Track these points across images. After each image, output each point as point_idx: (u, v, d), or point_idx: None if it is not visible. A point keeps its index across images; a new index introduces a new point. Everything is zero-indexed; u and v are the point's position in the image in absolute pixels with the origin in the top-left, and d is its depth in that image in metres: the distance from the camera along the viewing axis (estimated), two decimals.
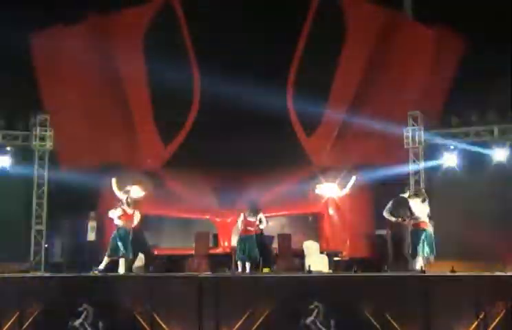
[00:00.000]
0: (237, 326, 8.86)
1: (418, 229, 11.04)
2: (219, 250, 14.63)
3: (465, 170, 14.31)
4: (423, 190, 12.03)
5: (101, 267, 11.10)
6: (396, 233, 11.67)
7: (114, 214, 11.51)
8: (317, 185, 15.58)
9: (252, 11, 15.76)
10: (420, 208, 11.21)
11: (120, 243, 11.30)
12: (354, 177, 14.89)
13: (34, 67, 14.95)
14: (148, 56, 16.20)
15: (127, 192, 11.91)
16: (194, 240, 14.14)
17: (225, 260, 13.47)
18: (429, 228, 11.19)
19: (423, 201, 11.31)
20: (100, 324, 9.02)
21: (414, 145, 15.11)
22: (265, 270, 12.90)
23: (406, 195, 11.62)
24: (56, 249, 14.84)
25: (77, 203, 14.53)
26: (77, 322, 8.99)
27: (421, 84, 15.20)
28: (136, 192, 12.93)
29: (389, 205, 11.54)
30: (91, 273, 10.88)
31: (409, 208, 11.19)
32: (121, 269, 11.33)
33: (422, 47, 15.31)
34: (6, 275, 10.66)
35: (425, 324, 8.63)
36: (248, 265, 11.87)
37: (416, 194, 11.64)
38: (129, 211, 11.65)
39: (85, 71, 15.69)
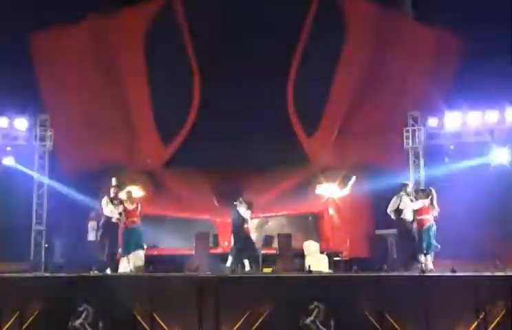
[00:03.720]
0: (237, 326, 8.85)
1: (424, 227, 11.18)
2: (219, 250, 14.62)
3: (465, 170, 14.31)
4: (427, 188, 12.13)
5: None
6: (401, 233, 11.59)
7: (113, 212, 11.53)
8: (317, 185, 15.59)
9: (252, 11, 15.75)
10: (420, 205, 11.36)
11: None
12: (354, 177, 14.89)
13: (34, 67, 14.94)
14: (149, 56, 16.21)
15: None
16: (194, 240, 14.14)
17: (225, 260, 13.45)
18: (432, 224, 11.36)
19: (427, 197, 11.42)
20: (100, 324, 9.01)
21: (414, 145, 15.11)
22: (266, 270, 12.90)
23: (406, 193, 11.63)
24: (56, 249, 14.83)
25: (77, 203, 14.53)
26: (77, 322, 8.98)
27: (421, 84, 15.21)
28: (135, 192, 12.93)
29: (393, 200, 11.58)
30: (91, 273, 10.88)
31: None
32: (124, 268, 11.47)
33: (422, 47, 15.32)
34: (6, 275, 10.64)
35: (425, 324, 8.63)
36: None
37: (422, 192, 11.76)
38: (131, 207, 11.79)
39: (85, 72, 15.70)
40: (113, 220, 11.60)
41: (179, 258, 13.96)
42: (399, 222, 11.56)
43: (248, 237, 12.33)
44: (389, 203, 11.70)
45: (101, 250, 11.60)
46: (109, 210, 11.56)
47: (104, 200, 11.62)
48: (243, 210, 12.19)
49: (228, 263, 12.09)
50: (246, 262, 12.10)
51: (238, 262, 12.07)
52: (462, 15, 14.24)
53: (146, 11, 16.59)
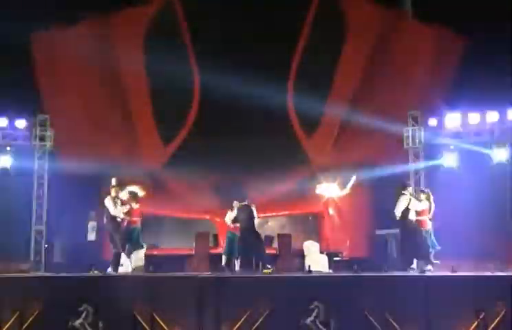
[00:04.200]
0: (237, 326, 8.85)
1: (426, 228, 11.24)
2: (219, 250, 14.62)
3: (465, 170, 14.30)
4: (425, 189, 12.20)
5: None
6: (408, 233, 11.48)
7: (116, 209, 11.50)
8: (317, 185, 15.60)
9: (252, 11, 15.74)
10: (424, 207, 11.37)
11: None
12: (354, 177, 14.90)
13: (34, 67, 14.93)
14: (149, 56, 16.21)
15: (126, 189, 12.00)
16: (194, 240, 14.15)
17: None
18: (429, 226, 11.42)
19: (427, 199, 11.48)
20: (100, 324, 9.00)
21: (414, 145, 15.11)
22: (266, 270, 12.90)
23: (407, 193, 11.60)
24: (56, 249, 14.82)
25: (77, 203, 14.53)
26: (77, 322, 8.97)
27: (421, 84, 15.21)
28: (136, 191, 12.91)
29: (402, 200, 11.47)
30: (91, 273, 10.88)
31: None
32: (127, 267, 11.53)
33: (422, 46, 15.32)
34: (6, 275, 10.65)
35: (425, 324, 8.62)
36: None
37: (423, 193, 11.78)
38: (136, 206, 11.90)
39: (85, 72, 15.69)
40: (118, 219, 11.56)
41: (179, 258, 13.98)
42: (406, 222, 11.43)
43: (258, 236, 12.31)
44: (391, 202, 11.67)
45: (115, 246, 11.56)
46: (119, 211, 11.53)
47: (110, 201, 11.53)
48: (255, 210, 12.20)
49: (223, 262, 12.14)
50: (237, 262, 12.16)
51: (245, 258, 12.06)
52: (462, 14, 14.23)
53: (146, 11, 16.58)
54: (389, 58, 15.61)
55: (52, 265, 14.23)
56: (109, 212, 11.48)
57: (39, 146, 15.15)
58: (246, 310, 8.87)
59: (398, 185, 12.01)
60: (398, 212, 11.48)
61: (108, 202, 11.50)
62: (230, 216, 12.68)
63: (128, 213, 11.77)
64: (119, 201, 11.62)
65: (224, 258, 12.67)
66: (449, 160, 14.67)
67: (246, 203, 12.22)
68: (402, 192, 11.54)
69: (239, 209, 12.29)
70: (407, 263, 11.40)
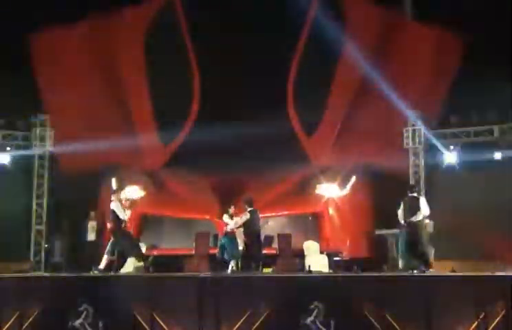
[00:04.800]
0: (237, 326, 8.85)
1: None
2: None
3: (465, 170, 14.31)
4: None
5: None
6: (410, 233, 11.29)
7: (124, 213, 11.39)
8: (317, 185, 15.59)
9: (252, 10, 15.73)
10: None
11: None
12: (354, 177, 14.89)
13: (34, 67, 14.93)
14: (149, 56, 16.21)
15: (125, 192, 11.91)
16: (194, 240, 14.15)
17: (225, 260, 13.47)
18: None
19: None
20: (100, 324, 9.01)
21: (414, 145, 15.11)
22: (266, 270, 12.90)
23: (415, 194, 11.54)
24: (56, 249, 14.83)
25: (77, 203, 14.53)
26: (77, 322, 8.98)
27: (421, 84, 15.21)
28: (136, 192, 12.89)
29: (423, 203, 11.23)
30: (91, 273, 10.88)
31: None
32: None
33: (422, 47, 15.31)
34: (6, 275, 10.65)
35: (425, 324, 8.62)
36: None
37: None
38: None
39: (85, 71, 15.69)
40: (123, 224, 11.43)
41: (179, 258, 13.98)
42: (418, 225, 11.05)
43: (259, 240, 12.18)
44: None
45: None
46: (127, 214, 11.33)
47: (118, 205, 11.20)
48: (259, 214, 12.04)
49: (230, 269, 12.05)
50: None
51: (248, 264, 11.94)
52: (462, 14, 14.23)
53: (146, 11, 16.58)
54: (389, 59, 15.59)
55: (52, 265, 14.23)
56: (116, 216, 11.14)
57: (39, 146, 15.14)
58: (246, 310, 8.87)
59: (402, 187, 11.84)
60: (422, 215, 10.93)
61: (116, 207, 11.15)
62: (237, 221, 12.14)
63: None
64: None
65: (232, 262, 12.37)
66: (448, 160, 14.67)
67: (252, 208, 11.95)
68: (411, 194, 11.28)
69: (251, 213, 11.96)
70: (412, 265, 11.17)
